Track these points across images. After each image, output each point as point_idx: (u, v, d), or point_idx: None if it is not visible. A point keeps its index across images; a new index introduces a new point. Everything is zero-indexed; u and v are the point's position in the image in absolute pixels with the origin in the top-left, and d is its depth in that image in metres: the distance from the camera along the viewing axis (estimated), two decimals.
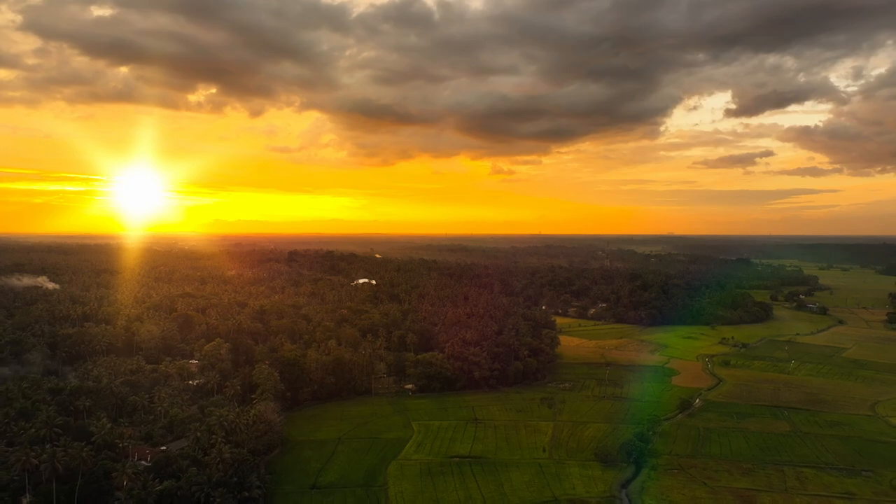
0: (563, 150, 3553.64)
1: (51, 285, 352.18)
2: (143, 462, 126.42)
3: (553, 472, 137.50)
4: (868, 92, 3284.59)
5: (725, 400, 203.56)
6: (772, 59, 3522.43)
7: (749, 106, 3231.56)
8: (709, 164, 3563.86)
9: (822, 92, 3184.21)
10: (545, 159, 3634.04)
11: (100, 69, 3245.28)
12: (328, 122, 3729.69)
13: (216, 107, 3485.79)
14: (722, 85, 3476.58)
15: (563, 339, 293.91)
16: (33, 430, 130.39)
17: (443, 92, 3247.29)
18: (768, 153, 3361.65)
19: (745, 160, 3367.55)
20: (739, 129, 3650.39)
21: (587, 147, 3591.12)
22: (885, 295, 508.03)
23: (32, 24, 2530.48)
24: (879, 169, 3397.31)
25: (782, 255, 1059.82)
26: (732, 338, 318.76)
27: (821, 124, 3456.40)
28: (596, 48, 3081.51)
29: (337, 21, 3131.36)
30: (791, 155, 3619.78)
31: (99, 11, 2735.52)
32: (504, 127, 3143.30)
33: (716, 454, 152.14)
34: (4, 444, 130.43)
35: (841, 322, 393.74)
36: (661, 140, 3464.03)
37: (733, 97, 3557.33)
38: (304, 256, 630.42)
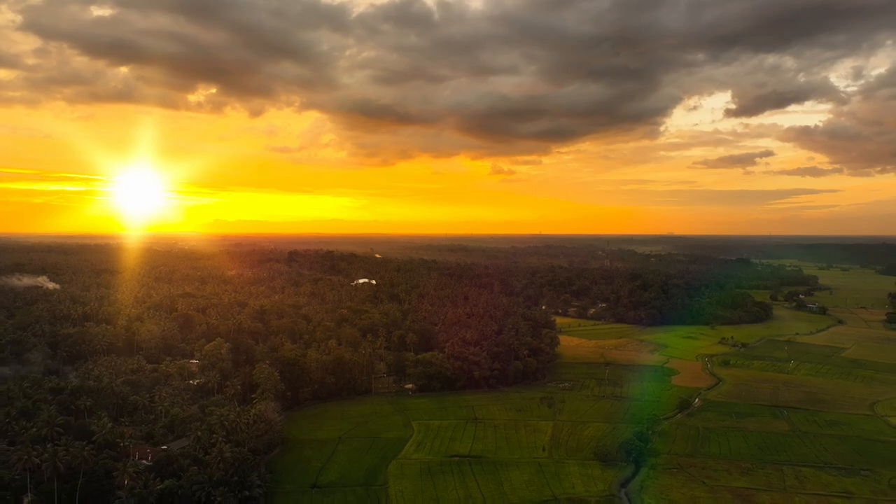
0: (563, 150, 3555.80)
1: (51, 285, 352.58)
2: (143, 461, 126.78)
3: (553, 472, 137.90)
4: (868, 92, 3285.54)
5: (725, 399, 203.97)
6: (772, 59, 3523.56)
7: (749, 106, 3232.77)
8: (709, 164, 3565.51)
9: (822, 92, 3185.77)
10: (545, 159, 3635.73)
11: (100, 69, 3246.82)
12: (328, 122, 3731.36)
13: (216, 107, 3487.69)
14: (722, 85, 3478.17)
15: (563, 338, 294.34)
16: (35, 429, 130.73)
17: (443, 92, 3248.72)
18: (768, 153, 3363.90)
19: (745, 160, 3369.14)
20: (739, 129, 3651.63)
21: (587, 147, 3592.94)
22: (885, 295, 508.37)
23: (32, 24, 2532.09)
24: (879, 169, 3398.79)
25: (782, 255, 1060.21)
26: (732, 338, 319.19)
27: (821, 124, 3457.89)
28: (596, 48, 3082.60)
29: (337, 21, 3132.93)
30: (791, 155, 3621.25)
31: (99, 11, 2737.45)
32: (504, 127, 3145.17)
33: (715, 453, 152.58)
34: (6, 444, 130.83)
35: (840, 322, 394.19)
36: (661, 140, 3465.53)
37: (733, 97, 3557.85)
38: (304, 256, 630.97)
